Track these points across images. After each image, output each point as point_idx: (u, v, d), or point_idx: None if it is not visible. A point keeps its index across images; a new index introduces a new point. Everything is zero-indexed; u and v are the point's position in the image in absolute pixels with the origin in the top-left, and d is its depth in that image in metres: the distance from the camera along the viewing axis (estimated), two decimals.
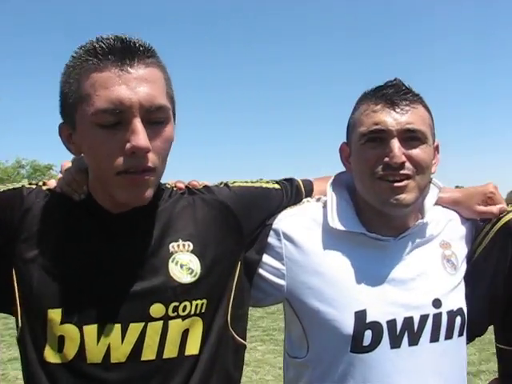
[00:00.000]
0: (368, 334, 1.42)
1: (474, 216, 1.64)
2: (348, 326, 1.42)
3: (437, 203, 1.65)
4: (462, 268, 1.59)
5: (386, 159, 1.41)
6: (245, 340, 1.48)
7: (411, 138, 1.43)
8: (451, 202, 1.66)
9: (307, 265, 1.49)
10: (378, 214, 1.49)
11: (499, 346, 1.65)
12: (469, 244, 1.63)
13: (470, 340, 1.68)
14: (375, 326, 1.42)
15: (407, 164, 1.42)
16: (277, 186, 1.58)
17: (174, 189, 1.43)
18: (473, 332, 1.64)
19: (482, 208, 1.62)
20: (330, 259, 1.49)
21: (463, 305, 1.52)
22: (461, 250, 1.60)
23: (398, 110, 1.43)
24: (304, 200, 1.61)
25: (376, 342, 1.42)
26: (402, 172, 1.41)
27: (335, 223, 1.49)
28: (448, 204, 1.66)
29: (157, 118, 1.19)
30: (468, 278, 1.60)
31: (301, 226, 1.53)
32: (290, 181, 1.63)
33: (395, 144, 1.41)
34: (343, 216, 1.50)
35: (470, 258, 1.62)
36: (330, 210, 1.51)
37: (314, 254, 1.50)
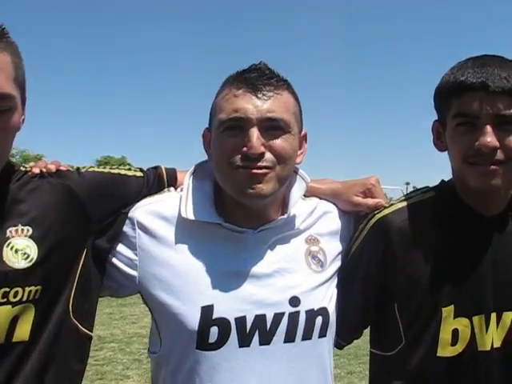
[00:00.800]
0: (214, 330, 1.33)
1: (350, 208, 1.55)
2: (193, 321, 1.33)
3: (314, 194, 1.57)
4: (333, 265, 1.49)
5: (245, 149, 1.32)
6: (91, 331, 1.42)
7: (272, 127, 1.34)
8: (330, 192, 1.57)
9: (159, 256, 1.41)
10: (237, 204, 1.39)
11: (371, 350, 1.56)
12: (345, 240, 1.54)
13: (347, 342, 1.59)
14: (222, 323, 1.33)
15: (267, 155, 1.33)
16: (138, 174, 1.51)
17: (29, 172, 1.37)
18: (348, 333, 1.56)
19: (358, 199, 1.53)
20: (181, 251, 1.40)
21: (328, 304, 1.43)
22: (332, 246, 1.51)
23: (259, 96, 1.34)
24: (165, 189, 1.52)
25: (223, 339, 1.33)
26: (259, 164, 1.32)
27: (187, 213, 1.40)
28: (326, 195, 1.57)
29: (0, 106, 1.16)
30: (342, 276, 1.51)
31: (156, 216, 1.44)
32: (155, 169, 1.56)
33: (254, 133, 1.32)
34: (198, 206, 1.41)
35: (346, 255, 1.53)
36: (185, 200, 1.42)
37: (167, 245, 1.41)
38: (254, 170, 1.32)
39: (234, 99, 1.35)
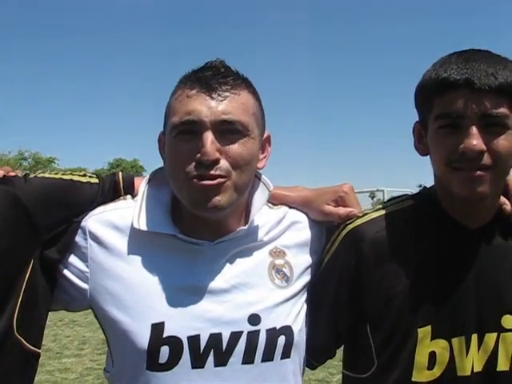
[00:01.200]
0: (165, 350, 1.22)
1: (320, 217, 1.42)
2: (143, 339, 1.23)
3: (284, 203, 1.45)
4: (301, 280, 1.37)
5: (198, 155, 1.21)
6: (38, 348, 1.32)
7: (229, 130, 1.23)
8: (300, 201, 1.45)
9: (111, 268, 1.31)
10: (194, 214, 1.28)
11: (344, 371, 1.43)
12: (315, 252, 1.42)
13: (319, 362, 1.47)
14: (173, 342, 1.23)
15: (222, 162, 1.22)
16: (93, 181, 1.41)
17: None
18: (319, 353, 1.44)
19: (329, 208, 1.40)
20: (134, 263, 1.30)
21: (293, 323, 1.31)
22: (300, 260, 1.39)
23: (214, 96, 1.23)
24: (121, 197, 1.42)
25: (174, 359, 1.23)
26: (212, 173, 1.21)
27: (140, 224, 1.30)
28: (297, 204, 1.45)
29: None
30: (312, 291, 1.39)
31: (109, 226, 1.34)
32: (113, 175, 1.46)
33: (208, 138, 1.21)
34: (151, 216, 1.30)
35: (317, 269, 1.40)
36: (138, 209, 1.32)
37: (120, 257, 1.31)
38: (207, 182, 1.21)
39: (186, 100, 1.24)
